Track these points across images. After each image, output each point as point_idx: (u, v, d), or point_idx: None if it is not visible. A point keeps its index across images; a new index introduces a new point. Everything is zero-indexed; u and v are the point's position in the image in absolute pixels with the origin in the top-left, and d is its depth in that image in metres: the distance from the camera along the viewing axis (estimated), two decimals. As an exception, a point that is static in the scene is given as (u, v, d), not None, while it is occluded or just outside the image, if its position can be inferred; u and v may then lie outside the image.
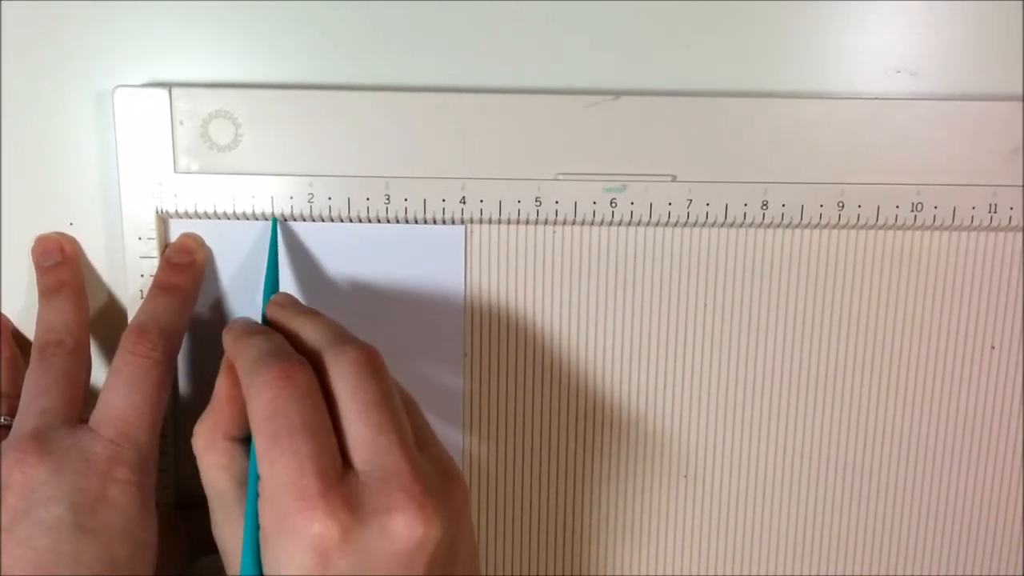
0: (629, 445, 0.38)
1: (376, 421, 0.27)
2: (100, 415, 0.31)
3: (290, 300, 0.32)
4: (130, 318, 0.35)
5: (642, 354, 0.37)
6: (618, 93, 0.34)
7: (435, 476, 0.28)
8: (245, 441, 0.30)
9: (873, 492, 0.39)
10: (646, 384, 0.38)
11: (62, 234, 0.35)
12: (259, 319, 0.33)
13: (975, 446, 0.39)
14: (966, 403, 0.38)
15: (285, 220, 0.35)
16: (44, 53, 0.34)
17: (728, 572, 0.40)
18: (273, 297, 0.33)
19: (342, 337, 0.29)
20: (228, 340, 0.31)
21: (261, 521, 0.27)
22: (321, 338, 0.29)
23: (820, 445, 0.38)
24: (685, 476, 0.39)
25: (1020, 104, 0.34)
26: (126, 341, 0.32)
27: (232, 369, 0.30)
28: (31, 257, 0.35)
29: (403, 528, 0.26)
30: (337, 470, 0.26)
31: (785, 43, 0.35)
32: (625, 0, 0.34)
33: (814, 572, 0.40)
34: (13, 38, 0.34)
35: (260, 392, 0.27)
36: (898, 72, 0.35)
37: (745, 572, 0.40)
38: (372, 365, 0.28)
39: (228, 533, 0.29)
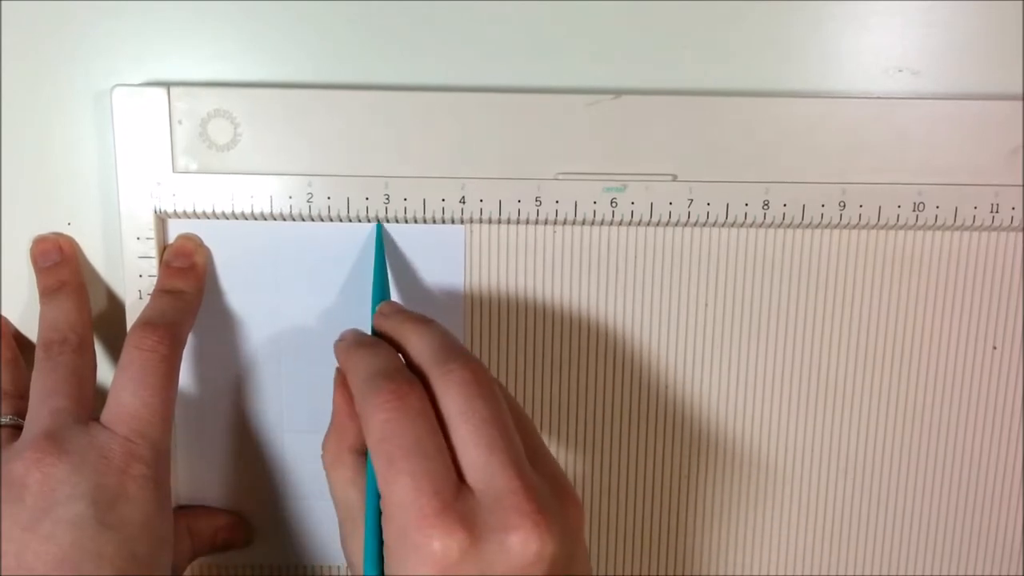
0: (629, 445, 0.38)
1: (487, 440, 0.27)
2: (112, 412, 0.31)
3: (395, 309, 0.32)
4: (129, 317, 0.35)
5: (642, 354, 0.37)
6: (618, 93, 0.34)
7: (549, 493, 0.28)
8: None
9: (873, 492, 0.39)
10: (646, 384, 0.38)
11: (59, 234, 0.35)
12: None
13: (975, 446, 0.39)
14: (967, 403, 0.38)
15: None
16: (44, 53, 0.34)
17: (728, 572, 0.40)
18: (379, 307, 0.33)
19: (448, 353, 0.29)
20: (339, 354, 0.31)
21: (385, 538, 0.27)
22: (427, 353, 0.29)
23: (820, 445, 0.38)
24: (685, 476, 0.39)
25: (1021, 104, 0.34)
26: (132, 336, 0.32)
27: (346, 384, 0.30)
28: (30, 258, 0.35)
29: (519, 545, 0.26)
30: (453, 488, 0.27)
31: (785, 43, 0.35)
32: (625, 0, 0.34)
33: (814, 572, 0.40)
34: (13, 38, 0.34)
35: (373, 414, 0.28)
36: (899, 72, 0.35)
37: (746, 572, 0.40)
38: (478, 383, 0.28)
39: (356, 546, 0.29)
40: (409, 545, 0.26)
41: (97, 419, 0.31)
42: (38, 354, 0.33)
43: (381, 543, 0.28)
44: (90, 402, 0.32)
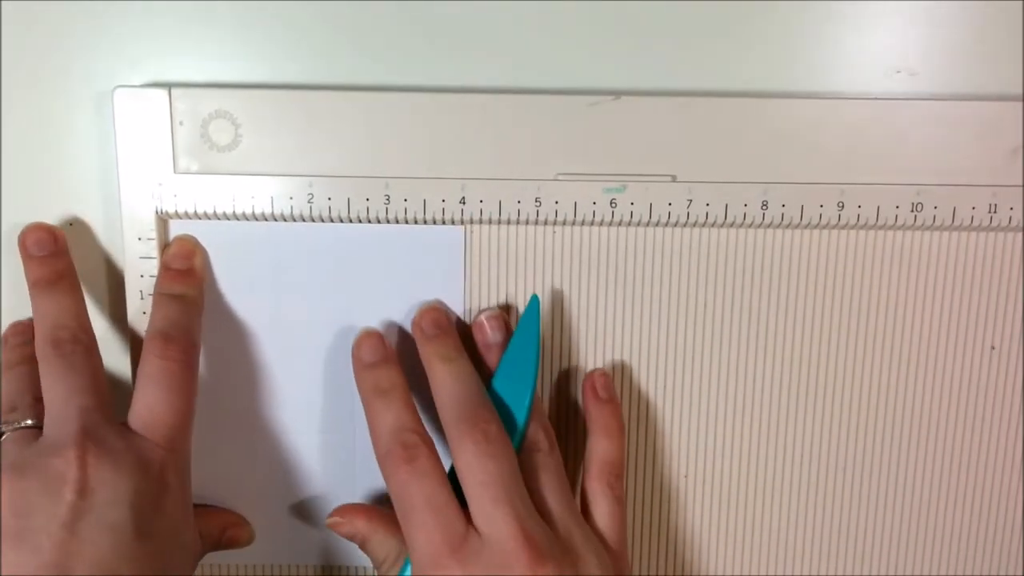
0: (629, 445, 0.38)
1: (491, 495, 0.31)
2: (143, 420, 0.31)
3: (436, 334, 0.35)
4: (130, 318, 0.35)
5: (642, 354, 0.37)
6: (618, 93, 0.34)
7: (552, 543, 0.31)
8: None
9: (873, 492, 0.39)
10: (646, 384, 0.38)
11: (50, 224, 0.35)
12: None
13: (975, 446, 0.39)
14: (966, 403, 0.38)
15: (286, 220, 0.35)
16: (44, 53, 0.34)
17: (728, 572, 0.40)
18: (423, 320, 0.35)
19: (467, 415, 0.32)
20: (359, 387, 0.34)
21: None
22: (449, 406, 0.33)
23: (820, 445, 0.38)
24: (685, 476, 0.39)
25: (1020, 104, 0.34)
26: (154, 346, 0.32)
27: None
28: (19, 246, 0.34)
29: None
30: (461, 533, 0.31)
31: (785, 43, 0.35)
32: (625, 0, 0.34)
33: (814, 572, 0.40)
34: (13, 38, 0.34)
35: (391, 474, 0.32)
36: (898, 72, 0.35)
37: (745, 572, 0.40)
38: (488, 446, 0.31)
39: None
40: None
41: (124, 423, 0.31)
42: (45, 350, 0.32)
43: None
44: (110, 401, 0.32)
